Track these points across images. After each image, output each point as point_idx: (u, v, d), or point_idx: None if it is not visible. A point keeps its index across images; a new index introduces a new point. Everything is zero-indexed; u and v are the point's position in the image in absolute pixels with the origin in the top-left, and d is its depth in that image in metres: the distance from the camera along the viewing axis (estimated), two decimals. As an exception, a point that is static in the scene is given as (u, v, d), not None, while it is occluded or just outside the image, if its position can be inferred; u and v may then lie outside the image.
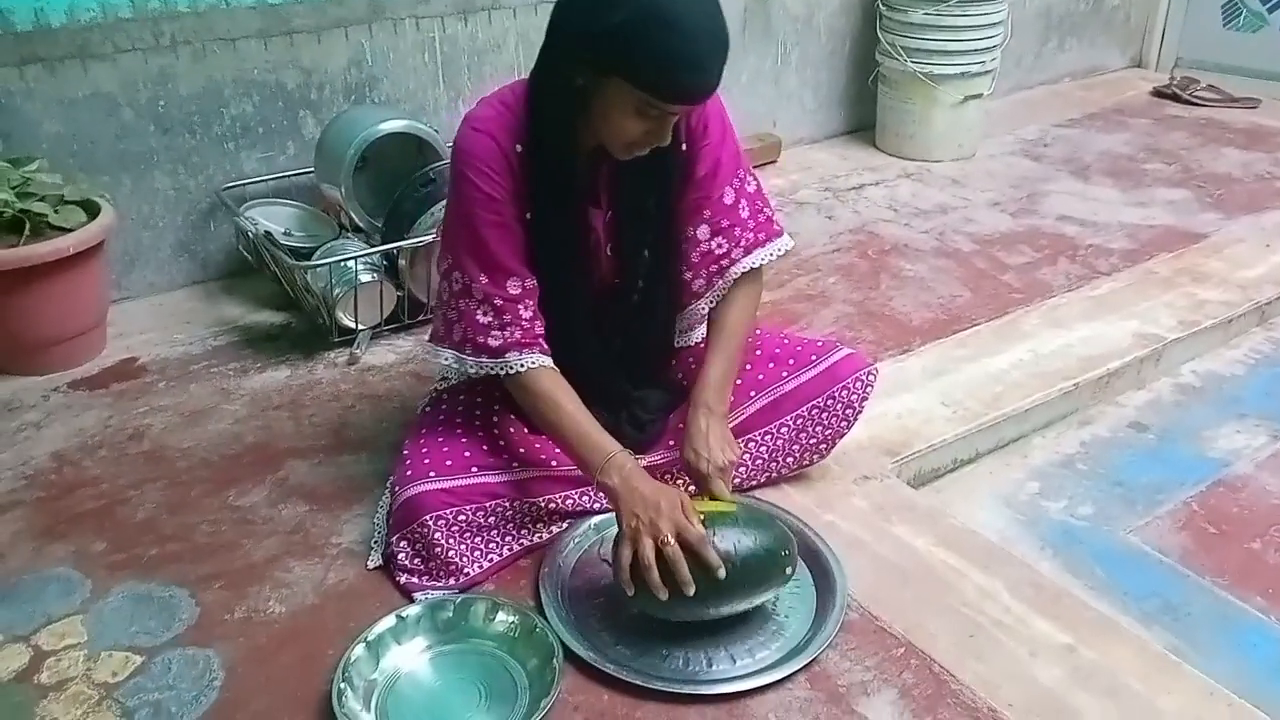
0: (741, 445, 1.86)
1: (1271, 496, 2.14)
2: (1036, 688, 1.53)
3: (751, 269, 1.78)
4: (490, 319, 1.65)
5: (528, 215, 1.64)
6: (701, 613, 1.55)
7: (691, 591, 1.50)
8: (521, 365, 1.65)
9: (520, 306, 1.66)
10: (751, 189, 1.79)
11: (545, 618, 1.61)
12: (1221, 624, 1.82)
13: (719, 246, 1.75)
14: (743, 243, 1.77)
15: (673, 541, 1.49)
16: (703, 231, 1.74)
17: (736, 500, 1.68)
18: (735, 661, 1.58)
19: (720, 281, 1.78)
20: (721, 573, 1.50)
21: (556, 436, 1.67)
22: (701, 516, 1.54)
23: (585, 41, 1.44)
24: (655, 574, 1.49)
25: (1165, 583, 1.92)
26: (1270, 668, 1.73)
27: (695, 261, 1.76)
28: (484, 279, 1.63)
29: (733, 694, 1.52)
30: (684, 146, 1.66)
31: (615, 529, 1.58)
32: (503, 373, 1.67)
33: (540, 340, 1.68)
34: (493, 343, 1.65)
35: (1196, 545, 2.01)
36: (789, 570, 1.60)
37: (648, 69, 1.42)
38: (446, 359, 1.72)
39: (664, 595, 1.50)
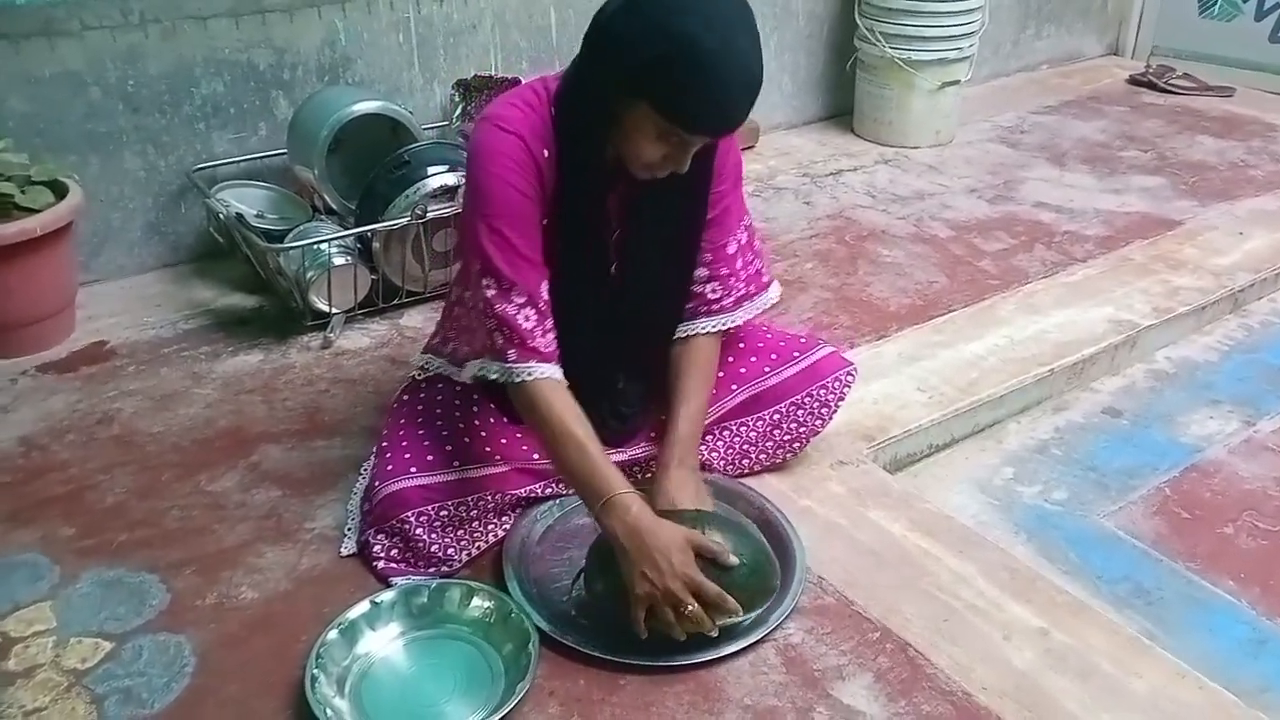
0: (715, 434, 1.88)
1: (1243, 482, 2.16)
2: (1010, 671, 1.54)
3: (718, 330, 1.79)
4: (534, 323, 1.58)
5: (544, 221, 1.60)
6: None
7: (716, 635, 1.51)
8: (556, 374, 1.60)
9: (550, 314, 1.61)
10: (745, 240, 1.80)
11: (506, 591, 1.62)
12: (1193, 607, 1.84)
13: (713, 293, 1.77)
14: (734, 293, 1.79)
15: (693, 605, 1.47)
16: (700, 274, 1.76)
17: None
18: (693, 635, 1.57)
19: (698, 324, 1.77)
20: (740, 615, 1.51)
21: (561, 458, 1.59)
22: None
23: (619, 66, 1.43)
24: (679, 632, 1.49)
25: (1138, 567, 1.93)
26: (1240, 650, 1.75)
27: (689, 297, 1.77)
28: (521, 280, 1.56)
29: (708, 678, 1.52)
30: (706, 179, 1.66)
31: (577, 507, 1.59)
32: (543, 377, 1.58)
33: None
34: (543, 348, 1.58)
35: (1169, 530, 2.02)
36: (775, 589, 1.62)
37: (675, 105, 1.42)
38: (482, 369, 1.62)
39: (683, 638, 1.50)
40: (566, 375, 1.63)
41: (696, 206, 1.69)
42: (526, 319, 1.57)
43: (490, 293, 1.57)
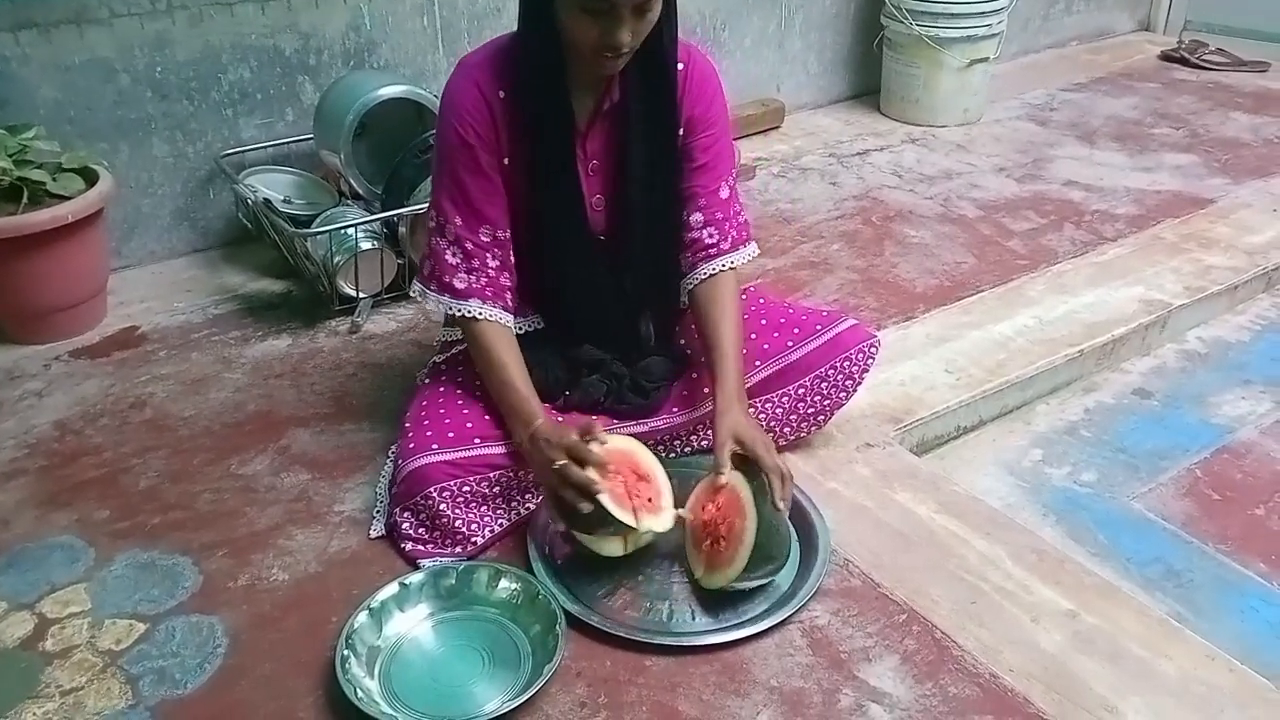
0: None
1: (1275, 463, 2.14)
2: (1038, 653, 1.54)
3: (729, 267, 1.81)
4: (458, 260, 1.71)
5: (505, 160, 1.68)
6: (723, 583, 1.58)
7: (600, 492, 1.52)
8: (479, 314, 1.71)
9: (488, 255, 1.72)
10: (736, 190, 1.85)
11: (533, 573, 1.63)
12: (1223, 590, 1.83)
13: (709, 236, 1.80)
14: (730, 237, 1.82)
15: (562, 460, 1.54)
16: (696, 219, 1.79)
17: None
18: (718, 616, 1.59)
19: (705, 267, 1.80)
20: (600, 447, 1.56)
21: (493, 392, 1.73)
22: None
23: None
24: (568, 498, 1.53)
25: (1168, 549, 1.92)
26: (1271, 633, 1.73)
27: (685, 244, 1.81)
28: (458, 220, 1.70)
29: (734, 659, 1.52)
30: (678, 98, 1.71)
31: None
32: (460, 314, 1.72)
33: (506, 295, 1.74)
34: (458, 284, 1.72)
35: (1200, 511, 2.01)
36: (789, 553, 1.65)
37: None
38: (415, 292, 1.77)
39: (588, 509, 1.53)
40: (583, 322, 1.79)
41: (670, 128, 1.73)
42: (453, 255, 1.71)
43: (430, 224, 1.75)
